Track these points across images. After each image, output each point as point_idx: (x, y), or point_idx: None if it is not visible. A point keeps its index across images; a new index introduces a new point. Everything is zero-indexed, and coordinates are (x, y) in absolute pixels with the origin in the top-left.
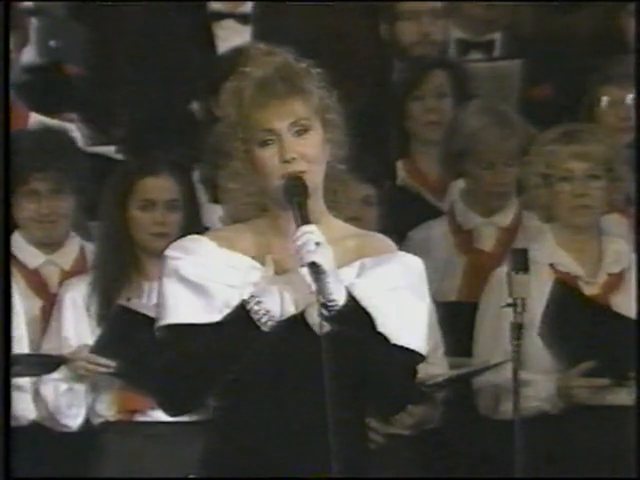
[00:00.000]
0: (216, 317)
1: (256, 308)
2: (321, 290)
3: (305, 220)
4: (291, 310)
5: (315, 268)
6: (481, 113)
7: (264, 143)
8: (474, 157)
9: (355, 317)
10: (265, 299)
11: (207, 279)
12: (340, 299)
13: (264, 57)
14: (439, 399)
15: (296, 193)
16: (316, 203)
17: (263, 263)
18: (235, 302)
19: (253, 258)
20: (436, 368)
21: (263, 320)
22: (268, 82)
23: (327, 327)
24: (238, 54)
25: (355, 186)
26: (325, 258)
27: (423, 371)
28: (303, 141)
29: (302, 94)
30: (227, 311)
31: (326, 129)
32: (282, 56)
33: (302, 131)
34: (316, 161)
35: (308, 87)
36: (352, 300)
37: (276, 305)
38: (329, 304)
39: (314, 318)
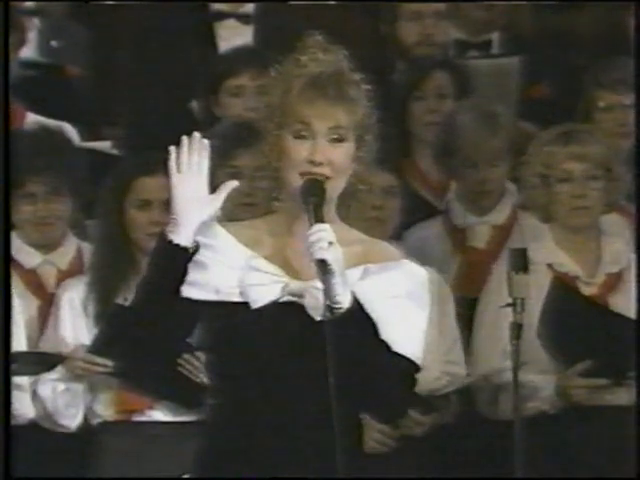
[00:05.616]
0: (212, 296)
1: None
2: (327, 290)
3: (319, 219)
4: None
5: (324, 266)
6: (468, 112)
7: (298, 135)
8: (459, 156)
9: (358, 321)
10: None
11: (207, 257)
12: (345, 302)
13: (321, 54)
14: (450, 408)
15: (313, 194)
16: (328, 211)
17: (271, 260)
18: (233, 283)
19: (265, 256)
20: (455, 367)
21: None
22: (321, 81)
23: (331, 328)
24: (238, 54)
25: (378, 175)
26: (335, 258)
27: (443, 370)
28: (335, 149)
29: (350, 105)
30: (223, 291)
31: (359, 147)
32: (338, 57)
33: (337, 140)
34: (341, 172)
35: (357, 100)
36: (357, 304)
37: None
38: (334, 306)
39: (312, 305)
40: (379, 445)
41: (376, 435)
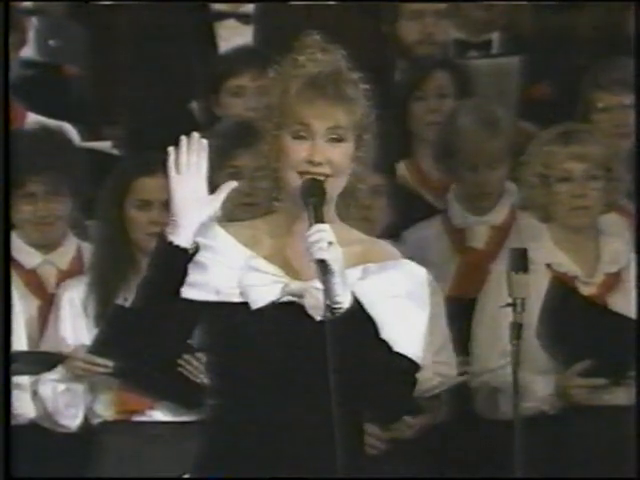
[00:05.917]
0: (212, 297)
1: None
2: (327, 290)
3: (319, 220)
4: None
5: (324, 266)
6: (469, 114)
7: (297, 135)
8: (459, 157)
9: (358, 321)
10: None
11: (207, 258)
12: (345, 302)
13: (320, 54)
14: (441, 409)
15: (313, 194)
16: (328, 211)
17: (271, 261)
18: (233, 284)
19: (265, 256)
20: (445, 367)
21: None
22: (320, 81)
23: (331, 328)
24: (238, 54)
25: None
26: (335, 258)
27: (434, 370)
28: (334, 149)
29: (348, 104)
30: (223, 292)
31: (358, 147)
32: (336, 57)
33: (336, 140)
34: (340, 171)
35: (355, 100)
36: (357, 304)
37: None
38: (334, 306)
39: (312, 305)
40: (368, 447)
41: (365, 437)
